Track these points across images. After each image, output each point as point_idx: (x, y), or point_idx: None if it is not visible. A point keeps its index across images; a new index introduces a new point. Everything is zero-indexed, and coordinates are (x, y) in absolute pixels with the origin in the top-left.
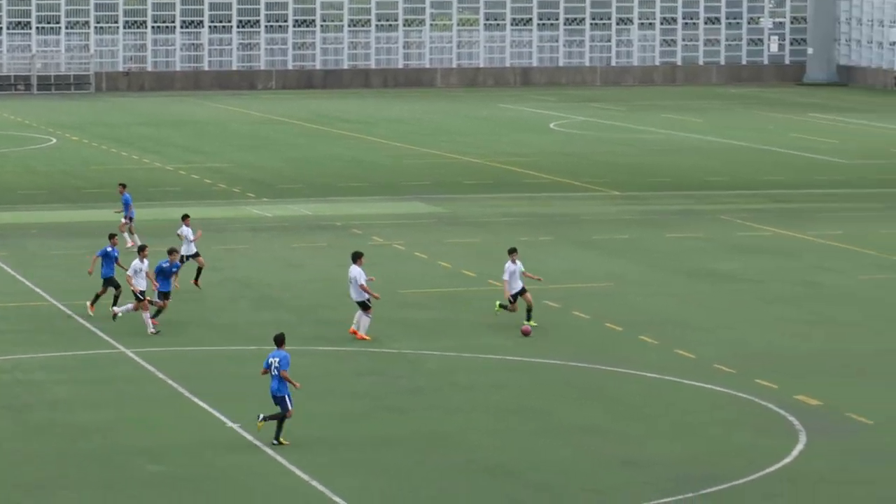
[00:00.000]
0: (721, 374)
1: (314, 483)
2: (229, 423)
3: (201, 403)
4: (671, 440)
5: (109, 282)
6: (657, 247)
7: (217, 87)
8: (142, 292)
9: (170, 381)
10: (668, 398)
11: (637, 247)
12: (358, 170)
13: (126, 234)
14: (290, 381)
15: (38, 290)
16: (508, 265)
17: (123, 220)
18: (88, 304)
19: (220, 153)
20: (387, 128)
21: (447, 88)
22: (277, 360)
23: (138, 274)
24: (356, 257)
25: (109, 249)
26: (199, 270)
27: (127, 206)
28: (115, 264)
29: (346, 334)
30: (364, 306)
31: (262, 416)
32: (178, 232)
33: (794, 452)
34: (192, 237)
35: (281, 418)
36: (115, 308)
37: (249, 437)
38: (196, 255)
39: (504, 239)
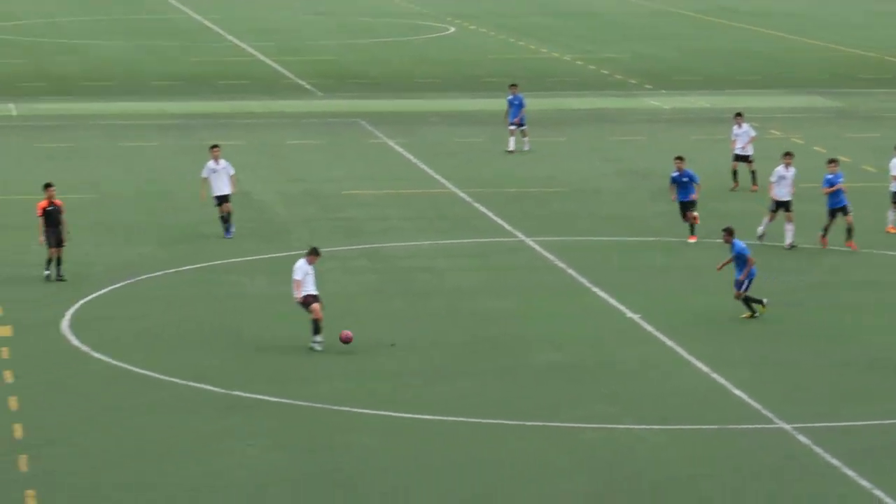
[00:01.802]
0: None
1: (714, 376)
2: (629, 314)
3: (601, 293)
4: None
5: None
6: None
7: None
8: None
9: (569, 271)
10: None
11: None
12: (753, 62)
13: (512, 140)
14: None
15: (438, 177)
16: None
17: (511, 127)
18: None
19: (615, 43)
20: (780, 20)
21: None
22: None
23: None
24: None
25: (676, 174)
26: None
27: (517, 108)
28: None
29: (743, 226)
30: None
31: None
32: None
33: None
34: (750, 135)
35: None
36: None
37: (649, 329)
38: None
39: None
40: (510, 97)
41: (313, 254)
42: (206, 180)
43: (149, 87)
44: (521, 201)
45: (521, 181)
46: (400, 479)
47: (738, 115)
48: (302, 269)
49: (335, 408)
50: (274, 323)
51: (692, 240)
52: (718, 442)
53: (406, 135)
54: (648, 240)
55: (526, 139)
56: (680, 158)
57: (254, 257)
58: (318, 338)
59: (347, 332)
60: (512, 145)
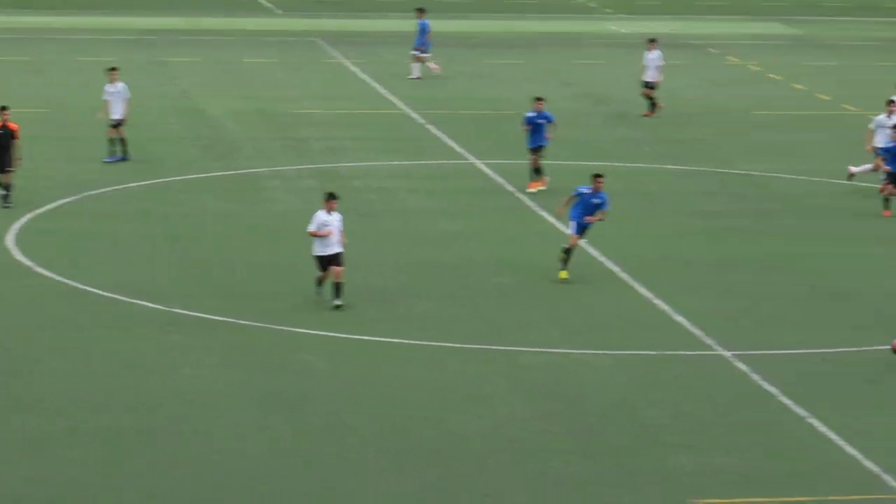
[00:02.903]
0: None
1: (657, 302)
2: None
3: (548, 217)
4: None
5: None
6: None
7: None
8: None
9: (518, 195)
10: None
11: None
12: None
13: (414, 65)
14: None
15: (392, 98)
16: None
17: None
18: None
19: None
20: None
21: None
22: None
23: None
24: None
25: (533, 115)
26: None
27: (422, 34)
28: None
29: (695, 154)
30: None
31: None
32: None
33: None
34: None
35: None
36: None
37: (594, 254)
38: None
39: (862, 64)
40: (418, 21)
41: (329, 199)
42: (106, 102)
43: (107, 1)
44: (475, 124)
45: (475, 103)
46: (343, 399)
47: (652, 41)
48: (317, 220)
49: (282, 328)
50: (219, 241)
51: (532, 188)
52: (658, 368)
53: (363, 55)
54: (601, 164)
55: (417, 65)
56: (539, 99)
57: (202, 175)
58: (338, 300)
59: None
60: (416, 72)
